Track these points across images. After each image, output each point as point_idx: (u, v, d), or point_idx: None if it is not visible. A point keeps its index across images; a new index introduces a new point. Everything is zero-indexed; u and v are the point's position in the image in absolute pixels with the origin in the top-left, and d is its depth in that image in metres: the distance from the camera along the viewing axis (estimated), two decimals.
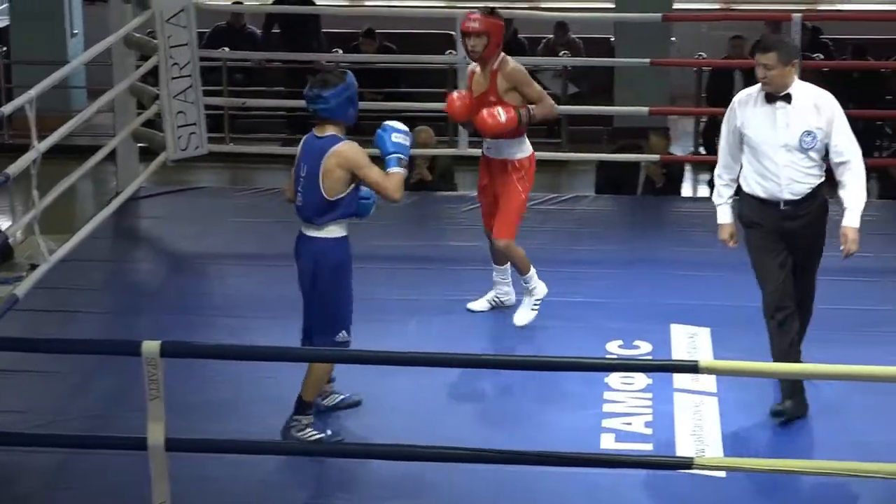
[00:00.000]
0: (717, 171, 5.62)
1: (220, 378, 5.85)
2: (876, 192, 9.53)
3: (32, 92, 6.47)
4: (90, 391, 5.90)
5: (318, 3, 12.66)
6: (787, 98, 5.36)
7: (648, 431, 5.52)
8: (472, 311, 6.64)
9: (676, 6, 11.93)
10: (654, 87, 11.03)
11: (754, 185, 5.44)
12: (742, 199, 5.52)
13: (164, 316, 6.69)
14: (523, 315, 6.44)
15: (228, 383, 5.83)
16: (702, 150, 11.42)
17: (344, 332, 5.35)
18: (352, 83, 5.26)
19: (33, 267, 6.92)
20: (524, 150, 6.32)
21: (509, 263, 6.50)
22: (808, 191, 5.39)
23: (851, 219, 5.39)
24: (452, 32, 8.86)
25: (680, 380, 5.88)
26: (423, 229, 8.11)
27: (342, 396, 5.67)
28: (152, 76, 8.37)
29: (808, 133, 5.34)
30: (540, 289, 6.43)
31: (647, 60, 8.95)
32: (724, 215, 5.61)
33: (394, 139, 5.27)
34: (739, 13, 13.15)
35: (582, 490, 5.05)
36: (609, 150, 10.45)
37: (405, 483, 5.10)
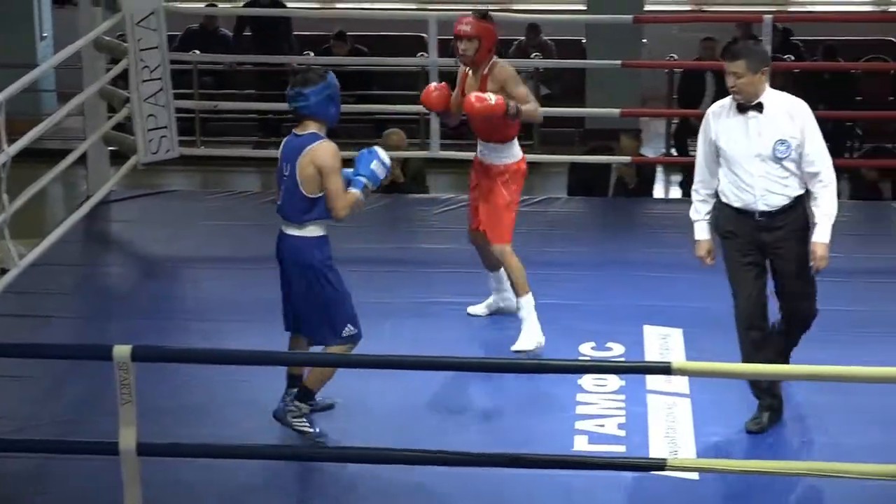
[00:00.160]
0: (694, 186, 5.53)
1: (194, 382, 5.83)
2: (847, 193, 9.58)
3: (1, 96, 6.43)
4: (62, 396, 5.86)
5: (289, 6, 12.64)
6: (759, 107, 5.28)
7: (621, 433, 5.52)
8: (471, 315, 6.62)
9: (647, 8, 11.96)
10: (626, 89, 11.06)
11: (730, 196, 5.37)
12: (719, 208, 5.46)
13: (135, 320, 6.66)
14: (524, 342, 6.23)
15: (202, 387, 5.81)
16: (673, 151, 11.45)
17: (350, 325, 5.34)
18: (332, 82, 5.27)
19: (3, 272, 6.87)
20: (512, 155, 6.26)
21: (503, 268, 6.43)
22: (785, 202, 5.30)
23: (820, 234, 5.31)
24: (424, 35, 8.88)
25: (653, 381, 5.88)
26: (395, 232, 8.10)
27: (316, 400, 5.63)
28: (123, 79, 8.34)
29: (782, 142, 5.26)
30: (533, 330, 6.18)
31: (619, 62, 8.95)
32: (701, 231, 5.52)
33: (372, 166, 5.31)
34: (710, 15, 13.19)
35: (556, 492, 5.04)
36: (581, 151, 10.46)
37: (379, 486, 5.09)
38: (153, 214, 8.37)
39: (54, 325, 6.66)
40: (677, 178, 11.11)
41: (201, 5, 13.18)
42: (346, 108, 5.53)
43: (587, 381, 5.91)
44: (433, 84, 6.37)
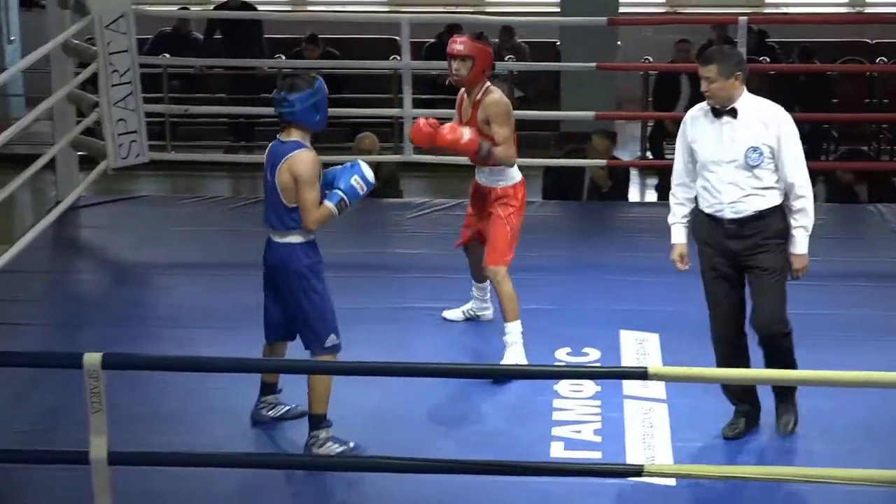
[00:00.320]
0: (672, 190, 5.46)
1: (166, 390, 5.80)
2: (823, 196, 9.57)
3: None
4: (31, 405, 5.82)
5: (260, 9, 12.57)
6: (733, 112, 5.20)
7: (598, 439, 5.50)
8: (446, 319, 6.58)
9: (622, 10, 11.93)
10: (601, 92, 11.02)
11: (702, 201, 5.31)
12: (696, 213, 5.39)
13: (106, 328, 6.62)
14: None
15: (174, 395, 5.78)
16: (649, 154, 11.42)
17: (333, 335, 5.29)
18: (320, 89, 5.23)
19: None
20: (508, 178, 6.15)
21: (489, 282, 6.36)
22: (755, 211, 5.21)
23: (796, 244, 5.24)
24: (397, 37, 8.84)
25: (629, 386, 5.85)
26: (368, 236, 8.05)
27: (288, 407, 5.61)
28: (92, 83, 8.33)
29: (754, 149, 5.16)
30: (518, 351, 6.10)
31: (594, 65, 8.94)
32: (677, 235, 5.44)
33: (352, 181, 5.25)
34: (685, 17, 13.18)
35: (532, 499, 5.01)
36: (557, 155, 10.43)
37: (354, 494, 5.06)
38: (123, 220, 8.35)
39: (23, 332, 6.60)
40: (653, 181, 11.09)
41: (172, 8, 13.10)
42: None
43: (563, 386, 5.89)
44: (422, 120, 6.16)
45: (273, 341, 5.45)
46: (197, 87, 12.62)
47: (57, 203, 8.15)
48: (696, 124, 5.32)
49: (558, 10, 12.12)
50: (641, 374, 4.70)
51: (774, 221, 5.25)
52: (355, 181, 5.25)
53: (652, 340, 6.40)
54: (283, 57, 11.99)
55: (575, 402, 5.78)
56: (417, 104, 9.26)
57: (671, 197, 5.47)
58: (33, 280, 7.35)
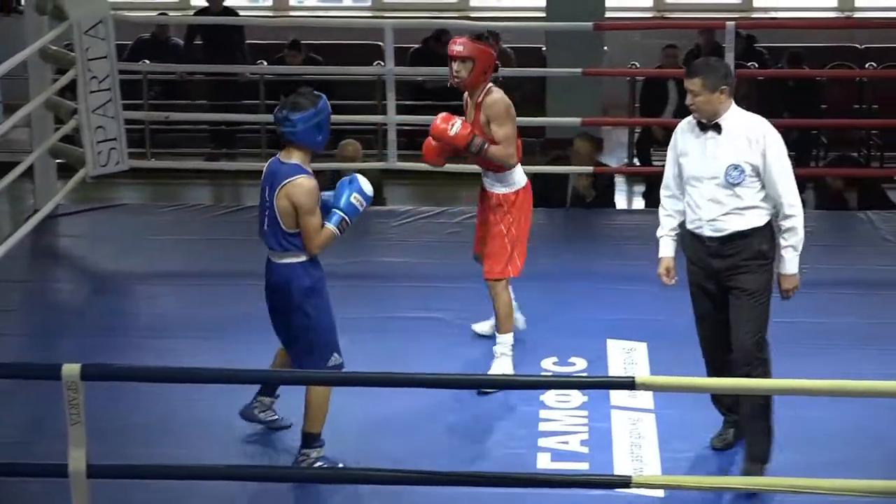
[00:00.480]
0: (661, 202, 5.33)
1: (146, 401, 5.78)
2: (812, 203, 9.54)
3: None
4: (9, 416, 5.78)
5: (241, 14, 12.49)
6: (717, 128, 5.07)
7: (585, 450, 5.47)
8: (477, 334, 6.45)
9: (609, 15, 11.87)
10: (587, 98, 10.97)
11: (686, 217, 5.20)
12: (683, 227, 5.30)
13: (85, 338, 6.58)
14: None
15: (154, 407, 5.76)
16: (636, 161, 11.37)
17: (336, 354, 5.26)
18: (323, 108, 5.17)
19: None
20: (510, 183, 6.03)
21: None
22: (735, 231, 5.08)
23: (785, 265, 5.11)
24: (380, 43, 8.76)
25: (617, 396, 5.82)
26: (352, 245, 7.95)
27: (276, 417, 5.58)
28: (70, 90, 8.33)
29: (735, 167, 5.03)
30: (505, 363, 6.05)
31: (580, 70, 8.89)
32: (664, 248, 5.32)
33: (352, 199, 5.21)
34: (673, 22, 13.12)
35: None
36: (542, 161, 10.36)
37: None
38: (103, 229, 8.31)
39: (0, 343, 6.55)
40: (640, 188, 11.04)
41: (155, 13, 13.02)
42: None
43: (550, 396, 5.85)
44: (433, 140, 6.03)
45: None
46: (177, 93, 12.54)
47: (35, 211, 8.10)
48: (685, 137, 5.19)
49: (544, 15, 12.06)
50: (629, 384, 4.63)
51: (757, 242, 5.11)
52: (354, 199, 5.21)
53: (640, 350, 6.37)
54: (265, 63, 11.92)
55: (562, 413, 5.75)
56: (401, 110, 9.21)
57: (660, 208, 5.36)
58: (11, 290, 7.31)
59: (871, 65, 11.71)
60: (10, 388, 5.76)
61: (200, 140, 12.31)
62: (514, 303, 6.27)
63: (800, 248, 5.13)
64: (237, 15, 12.14)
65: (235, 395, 5.45)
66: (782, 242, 5.12)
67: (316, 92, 5.23)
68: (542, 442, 5.51)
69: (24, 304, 7.23)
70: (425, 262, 7.60)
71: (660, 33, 11.89)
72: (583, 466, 5.31)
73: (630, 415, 5.70)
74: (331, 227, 5.16)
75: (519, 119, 6.19)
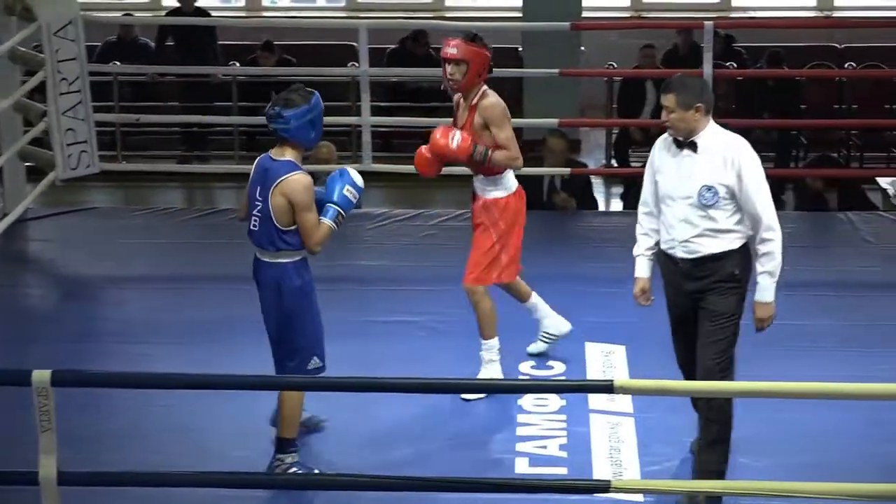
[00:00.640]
0: (638, 219, 5.19)
1: (117, 407, 5.75)
2: (792, 204, 9.52)
3: None
4: None
5: (214, 15, 12.40)
6: (693, 146, 4.93)
7: (563, 455, 5.45)
8: (531, 354, 6.30)
9: (585, 15, 11.83)
10: (564, 98, 10.91)
11: (661, 236, 5.07)
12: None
13: (56, 344, 6.55)
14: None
15: (126, 413, 5.73)
16: (614, 162, 11.32)
17: (316, 357, 5.24)
18: (316, 105, 5.13)
19: None
20: (500, 188, 5.92)
21: (534, 294, 6.16)
22: (708, 253, 4.94)
23: (760, 292, 4.95)
24: (354, 44, 8.70)
25: (595, 400, 5.80)
26: (328, 248, 7.86)
27: (309, 415, 5.56)
28: (39, 92, 8.28)
29: (709, 188, 4.88)
30: (493, 369, 5.98)
31: (556, 71, 8.84)
32: (640, 269, 5.17)
33: (345, 192, 5.18)
34: (650, 21, 13.08)
35: None
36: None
37: None
38: (73, 233, 8.27)
39: None
40: (618, 189, 11.00)
41: (120, 14, 12.91)
42: None
43: (527, 401, 5.83)
44: (425, 148, 5.94)
45: None
46: (148, 95, 12.44)
47: (4, 216, 8.02)
48: (661, 154, 5.05)
49: (520, 15, 12.01)
50: (607, 388, 4.62)
51: (730, 265, 4.96)
52: (347, 191, 5.19)
53: (618, 353, 6.34)
54: (238, 64, 11.83)
55: (540, 417, 5.73)
56: (376, 112, 9.15)
57: (637, 226, 5.20)
58: None
59: (850, 65, 11.68)
60: None
61: (172, 142, 12.23)
62: (538, 305, 6.17)
63: (777, 274, 4.95)
64: (209, 15, 12.05)
65: (209, 400, 5.40)
66: (758, 268, 4.95)
67: (308, 89, 5.19)
68: (520, 447, 5.48)
69: None
70: (401, 265, 7.56)
71: (637, 33, 11.85)
72: (561, 471, 5.29)
73: (609, 419, 5.68)
74: (328, 221, 5.14)
75: None
